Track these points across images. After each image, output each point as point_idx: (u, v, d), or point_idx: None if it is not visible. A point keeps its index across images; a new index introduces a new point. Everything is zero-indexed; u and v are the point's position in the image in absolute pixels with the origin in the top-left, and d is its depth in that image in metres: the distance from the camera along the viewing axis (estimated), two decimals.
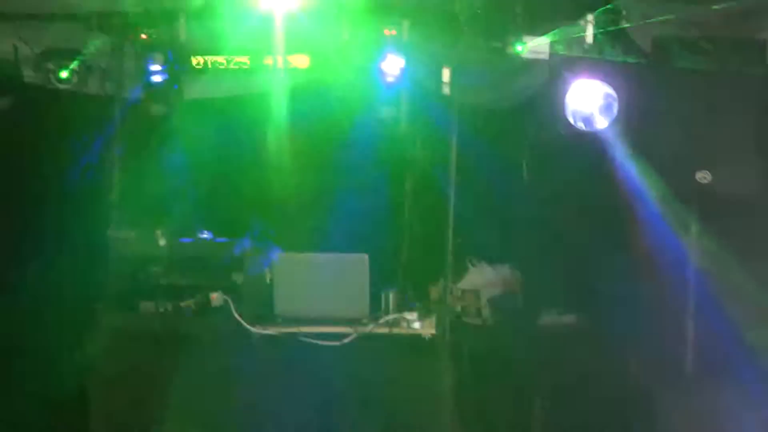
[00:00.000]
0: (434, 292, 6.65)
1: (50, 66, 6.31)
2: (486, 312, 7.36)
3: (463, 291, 7.05)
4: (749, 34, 6.15)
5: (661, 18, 5.92)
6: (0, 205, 6.94)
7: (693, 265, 6.47)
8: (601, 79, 5.92)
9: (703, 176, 6.15)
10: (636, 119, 6.00)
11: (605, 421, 6.47)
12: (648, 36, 6.20)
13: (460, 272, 7.16)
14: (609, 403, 6.52)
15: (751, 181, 6.12)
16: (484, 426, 6.40)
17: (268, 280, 6.03)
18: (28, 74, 6.47)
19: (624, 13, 6.01)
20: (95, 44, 6.30)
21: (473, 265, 7.30)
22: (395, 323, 5.91)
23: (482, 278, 7.41)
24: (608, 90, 5.92)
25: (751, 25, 6.17)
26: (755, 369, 6.36)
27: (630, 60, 6.17)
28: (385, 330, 5.89)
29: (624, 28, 6.05)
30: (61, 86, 6.36)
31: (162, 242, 6.06)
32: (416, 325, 5.90)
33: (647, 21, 6.01)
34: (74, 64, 6.30)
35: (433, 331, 5.90)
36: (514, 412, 6.93)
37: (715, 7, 5.72)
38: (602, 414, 6.54)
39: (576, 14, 6.02)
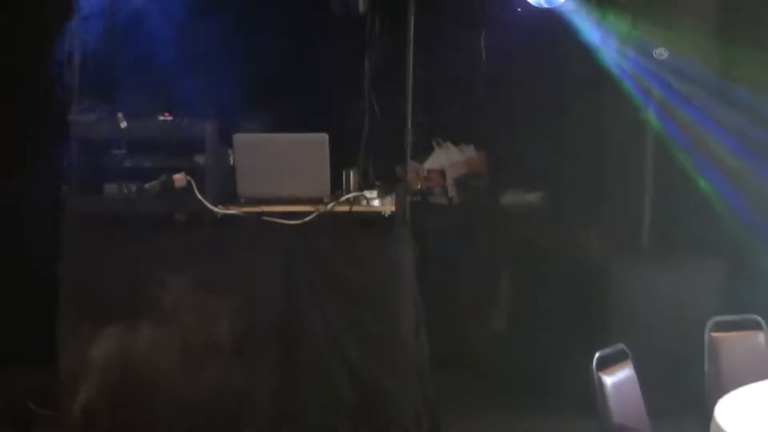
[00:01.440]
0: (398, 171, 6.49)
1: None
2: (452, 191, 7.37)
3: (429, 170, 7.06)
4: None
5: None
6: None
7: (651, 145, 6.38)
8: None
9: (659, 53, 6.10)
10: None
11: (566, 291, 6.57)
12: None
13: (425, 153, 6.90)
14: (569, 274, 6.60)
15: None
16: (445, 297, 6.56)
17: (231, 162, 5.88)
18: None
19: None
20: None
21: (439, 145, 7.22)
22: (356, 201, 5.79)
23: (448, 158, 7.40)
24: None
25: None
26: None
27: None
28: (345, 208, 5.76)
29: None
30: None
31: (123, 124, 5.80)
32: (375, 202, 5.79)
33: None
34: None
35: (393, 209, 5.75)
36: (476, 283, 7.07)
37: None
38: (563, 284, 6.62)
39: None
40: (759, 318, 5.13)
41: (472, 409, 6.22)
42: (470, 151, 7.52)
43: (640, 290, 6.39)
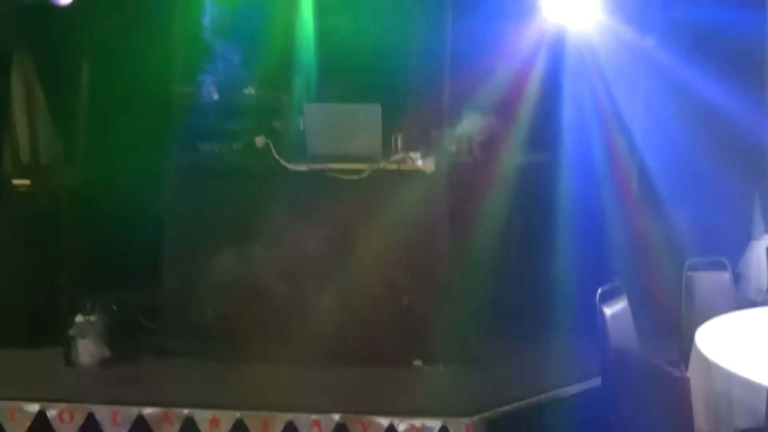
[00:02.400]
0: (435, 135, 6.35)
1: None
2: (476, 152, 7.19)
3: (458, 135, 6.81)
4: None
5: None
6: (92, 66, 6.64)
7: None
8: None
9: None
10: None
11: (565, 229, 6.43)
12: None
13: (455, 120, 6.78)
14: (569, 213, 6.45)
15: None
16: (471, 237, 6.25)
17: (301, 127, 5.83)
18: None
19: None
20: None
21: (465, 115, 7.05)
22: (403, 161, 5.77)
23: (473, 125, 7.18)
24: None
25: None
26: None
27: None
28: (394, 167, 5.75)
29: None
30: None
31: (215, 96, 5.93)
32: (419, 162, 5.77)
33: None
34: None
35: (434, 168, 5.76)
36: (495, 228, 6.72)
37: None
38: (563, 223, 6.47)
39: None
40: (725, 260, 5.07)
41: (490, 332, 6.14)
42: (491, 118, 7.29)
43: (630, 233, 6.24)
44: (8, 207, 6.35)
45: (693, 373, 4.10)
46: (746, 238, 6.57)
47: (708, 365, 3.99)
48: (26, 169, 6.92)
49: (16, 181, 6.66)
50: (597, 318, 4.55)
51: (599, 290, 4.57)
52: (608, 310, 4.59)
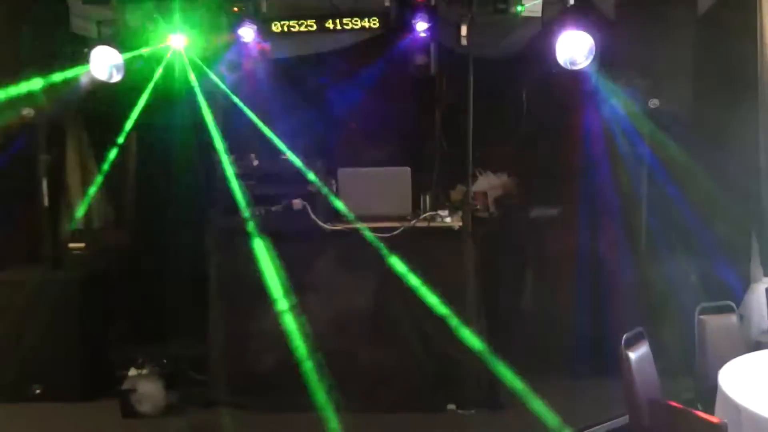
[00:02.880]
0: (453, 194, 6.40)
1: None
2: (492, 208, 7.13)
3: (475, 193, 6.72)
4: None
5: None
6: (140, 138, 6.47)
7: (646, 168, 6.13)
8: (582, 30, 5.49)
9: (653, 103, 5.75)
10: (606, 60, 5.63)
11: (578, 283, 6.20)
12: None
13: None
14: (582, 269, 6.23)
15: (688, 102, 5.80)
16: (494, 285, 6.14)
17: (334, 189, 5.75)
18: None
19: None
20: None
21: (481, 174, 6.97)
22: (432, 219, 5.65)
23: (488, 183, 7.14)
24: (588, 38, 5.49)
25: None
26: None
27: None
28: (424, 224, 5.64)
29: None
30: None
31: (255, 163, 5.78)
32: (448, 219, 5.65)
33: None
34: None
35: (461, 224, 5.63)
36: (513, 276, 6.71)
37: None
38: (576, 278, 6.25)
39: None
40: (732, 303, 4.80)
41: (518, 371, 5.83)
42: (505, 177, 7.25)
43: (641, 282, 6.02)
44: (64, 269, 6.14)
45: (720, 416, 3.86)
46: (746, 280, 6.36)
47: (737, 409, 3.77)
48: (80, 233, 6.78)
49: (71, 245, 6.49)
50: (622, 362, 4.34)
51: (624, 336, 4.36)
52: (632, 355, 4.39)
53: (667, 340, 5.67)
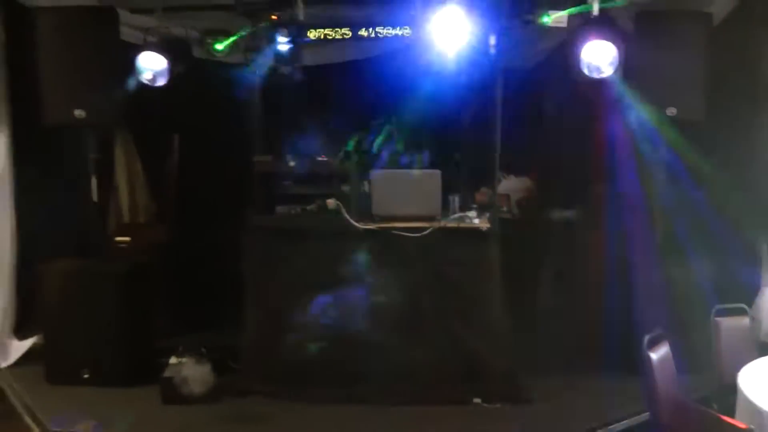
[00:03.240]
0: (478, 196, 6.15)
1: (209, 41, 5.79)
2: (514, 209, 7.12)
3: (498, 195, 6.51)
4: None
5: None
6: (182, 139, 6.36)
7: (668, 173, 5.90)
8: (606, 40, 5.28)
9: (671, 111, 5.48)
10: (626, 70, 5.39)
11: (596, 281, 5.93)
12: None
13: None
14: (598, 268, 5.96)
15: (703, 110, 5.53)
16: (516, 284, 5.82)
17: (366, 189, 5.59)
18: (195, 49, 5.99)
19: None
20: (239, 25, 5.74)
21: (504, 177, 6.92)
22: (461, 220, 5.46)
23: (511, 186, 7.11)
24: (611, 47, 5.27)
25: None
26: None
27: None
28: (453, 225, 5.44)
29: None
30: (217, 56, 5.85)
31: (292, 164, 5.61)
32: (476, 221, 5.45)
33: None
34: (226, 41, 5.76)
35: (488, 225, 5.42)
36: (533, 274, 6.59)
37: None
38: (593, 276, 6.01)
39: None
40: (745, 306, 4.67)
41: (541, 368, 5.76)
42: (527, 180, 7.19)
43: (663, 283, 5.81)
44: (111, 261, 6.04)
45: (743, 420, 3.66)
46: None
47: (760, 413, 3.57)
48: (126, 227, 6.68)
49: (118, 239, 6.39)
50: (644, 362, 4.14)
51: (646, 337, 4.16)
52: (654, 356, 4.19)
53: (687, 339, 5.48)
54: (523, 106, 6.04)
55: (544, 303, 6.61)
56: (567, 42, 5.46)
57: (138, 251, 6.40)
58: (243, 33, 5.59)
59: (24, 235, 5.97)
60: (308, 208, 5.50)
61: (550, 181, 6.96)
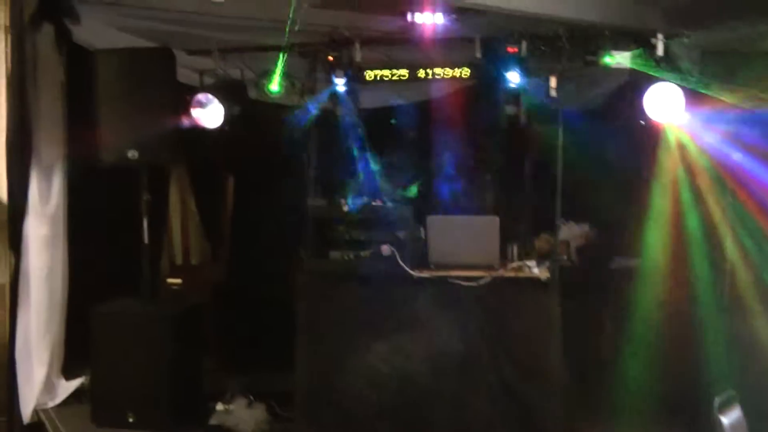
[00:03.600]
0: (537, 242, 5.94)
1: (264, 82, 5.64)
2: (573, 257, 6.78)
3: (561, 241, 6.25)
4: None
5: None
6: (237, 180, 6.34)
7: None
8: (672, 81, 5.06)
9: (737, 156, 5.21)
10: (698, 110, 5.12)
11: (658, 337, 5.63)
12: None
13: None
14: (663, 324, 5.65)
15: None
16: (575, 333, 5.56)
17: (422, 236, 5.38)
18: (251, 90, 5.90)
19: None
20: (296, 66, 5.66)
21: (564, 223, 6.51)
22: (520, 269, 5.24)
23: (571, 233, 6.77)
24: (677, 90, 5.03)
25: None
26: None
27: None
28: (512, 274, 5.23)
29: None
30: (272, 98, 5.70)
31: (346, 208, 5.43)
32: (536, 270, 5.22)
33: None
34: (282, 82, 5.60)
35: (548, 275, 5.20)
36: (592, 323, 6.21)
37: None
38: (656, 331, 5.67)
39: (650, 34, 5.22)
40: None
41: (599, 420, 5.51)
42: (586, 227, 6.85)
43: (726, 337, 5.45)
44: (162, 303, 5.94)
45: None
46: None
47: None
48: (179, 268, 6.59)
49: (169, 280, 6.30)
50: (715, 427, 3.83)
51: (716, 399, 3.85)
52: (725, 420, 3.87)
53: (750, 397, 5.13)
54: (583, 149, 5.81)
55: (602, 354, 6.21)
56: (630, 83, 5.27)
57: (190, 292, 6.32)
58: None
59: (77, 275, 5.94)
60: (362, 254, 5.33)
61: (611, 228, 6.66)
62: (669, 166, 5.74)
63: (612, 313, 6.39)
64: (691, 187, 5.66)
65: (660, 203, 5.99)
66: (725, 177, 5.42)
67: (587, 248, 6.84)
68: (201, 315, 6.00)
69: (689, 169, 5.56)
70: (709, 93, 5.15)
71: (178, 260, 6.73)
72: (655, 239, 6.14)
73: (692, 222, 5.77)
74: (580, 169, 5.92)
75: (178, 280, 6.33)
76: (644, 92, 5.08)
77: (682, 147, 5.38)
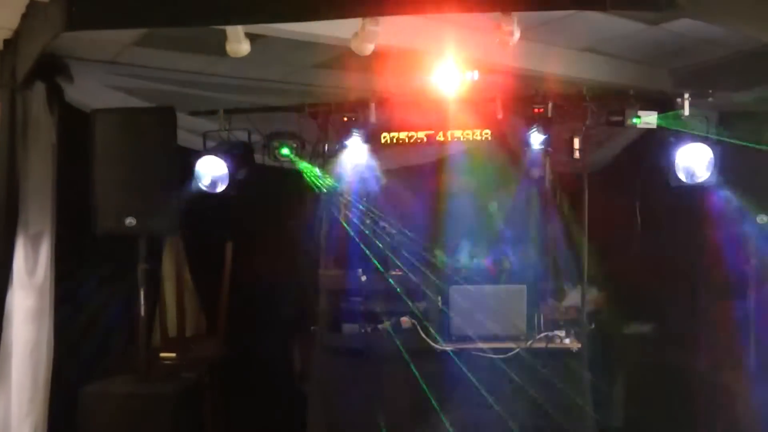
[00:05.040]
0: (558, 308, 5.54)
1: (275, 145, 5.25)
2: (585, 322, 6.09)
3: (567, 307, 5.78)
4: None
5: None
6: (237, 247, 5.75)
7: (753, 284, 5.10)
8: (700, 142, 4.78)
9: (761, 218, 4.84)
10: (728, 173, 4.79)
11: (677, 410, 5.32)
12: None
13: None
14: (681, 394, 5.34)
15: None
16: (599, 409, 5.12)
17: (440, 306, 5.00)
18: (257, 152, 5.46)
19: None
20: (306, 127, 5.26)
21: (571, 288, 6.01)
22: (550, 339, 4.90)
23: (579, 298, 6.14)
24: (707, 149, 4.75)
25: None
26: None
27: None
28: (541, 344, 4.88)
29: None
30: (282, 161, 5.29)
31: (363, 278, 5.08)
32: (566, 341, 4.90)
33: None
34: (292, 144, 5.21)
35: (579, 345, 4.89)
36: (606, 391, 5.66)
37: None
38: (674, 403, 5.37)
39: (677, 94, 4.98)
40: None
41: None
42: (595, 291, 6.30)
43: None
44: (155, 380, 5.37)
45: None
46: None
47: None
48: (173, 342, 6.04)
49: (162, 355, 5.74)
50: None
51: None
52: None
53: None
54: (611, 211, 5.48)
55: (613, 425, 5.82)
56: (652, 144, 4.99)
57: (185, 367, 5.76)
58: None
59: (63, 351, 5.39)
60: (380, 326, 4.93)
61: (624, 292, 6.30)
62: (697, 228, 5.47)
63: (626, 381, 6.05)
64: (715, 250, 5.38)
65: (680, 267, 5.70)
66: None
67: (599, 313, 6.47)
68: (196, 392, 5.39)
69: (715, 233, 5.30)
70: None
71: (172, 332, 6.18)
72: (674, 304, 5.82)
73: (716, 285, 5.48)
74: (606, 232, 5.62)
75: (172, 355, 5.78)
76: (675, 152, 4.80)
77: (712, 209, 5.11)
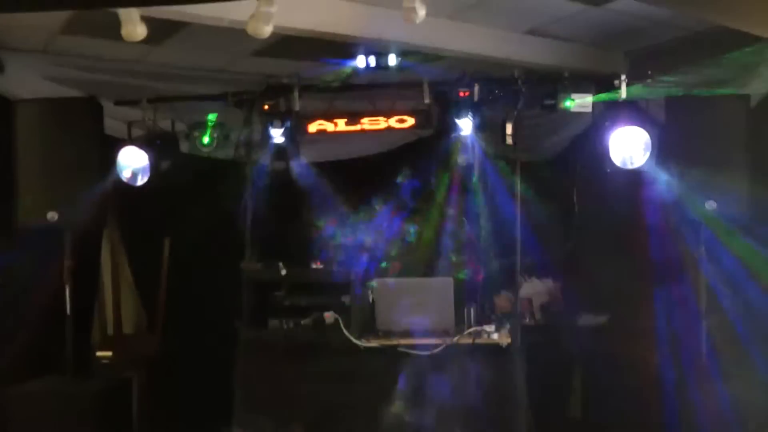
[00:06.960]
0: (498, 301, 5.25)
1: (196, 135, 4.99)
2: (538, 315, 6.04)
3: (520, 299, 5.50)
4: None
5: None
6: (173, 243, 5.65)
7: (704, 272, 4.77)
8: (637, 125, 4.42)
9: (710, 204, 4.51)
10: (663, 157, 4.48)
11: (630, 404, 5.02)
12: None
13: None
14: (633, 388, 5.04)
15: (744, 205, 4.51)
16: (542, 396, 4.88)
17: (370, 301, 4.66)
18: (182, 142, 5.15)
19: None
20: (229, 117, 4.95)
21: (525, 279, 5.87)
22: (477, 335, 4.47)
23: (533, 289, 6.04)
24: (643, 134, 4.41)
25: None
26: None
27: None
28: (468, 340, 4.46)
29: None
30: (204, 150, 5.00)
31: (283, 272, 4.71)
32: (495, 336, 4.46)
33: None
34: (214, 133, 4.95)
35: (509, 341, 4.44)
36: (560, 385, 5.58)
37: None
38: (627, 397, 5.08)
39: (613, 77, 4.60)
40: None
41: None
42: (550, 282, 6.11)
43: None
44: (85, 379, 5.09)
45: None
46: None
47: None
48: (110, 340, 5.74)
49: (99, 353, 5.46)
50: None
51: None
52: None
53: None
54: (546, 200, 5.15)
55: (572, 417, 5.59)
56: (592, 129, 4.65)
57: (122, 366, 5.48)
58: (213, 121, 4.81)
59: None
60: (303, 322, 4.58)
61: (577, 283, 5.98)
62: (642, 215, 5.14)
63: (580, 371, 5.74)
64: (666, 237, 5.04)
65: (634, 255, 5.37)
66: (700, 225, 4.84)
67: (552, 304, 6.15)
68: (129, 390, 5.14)
69: (663, 218, 4.96)
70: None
71: (110, 330, 5.88)
72: (629, 294, 5.50)
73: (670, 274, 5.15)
74: (542, 220, 5.31)
75: (108, 353, 5.49)
76: (609, 138, 4.45)
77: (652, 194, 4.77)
